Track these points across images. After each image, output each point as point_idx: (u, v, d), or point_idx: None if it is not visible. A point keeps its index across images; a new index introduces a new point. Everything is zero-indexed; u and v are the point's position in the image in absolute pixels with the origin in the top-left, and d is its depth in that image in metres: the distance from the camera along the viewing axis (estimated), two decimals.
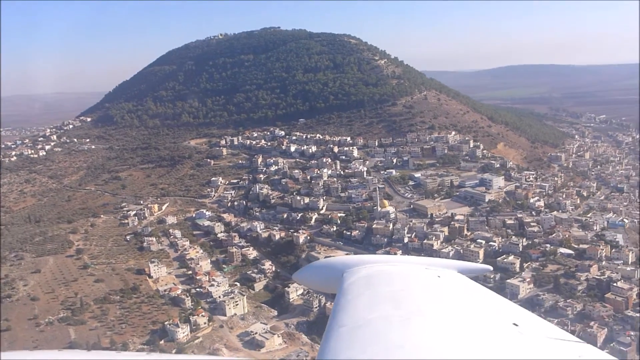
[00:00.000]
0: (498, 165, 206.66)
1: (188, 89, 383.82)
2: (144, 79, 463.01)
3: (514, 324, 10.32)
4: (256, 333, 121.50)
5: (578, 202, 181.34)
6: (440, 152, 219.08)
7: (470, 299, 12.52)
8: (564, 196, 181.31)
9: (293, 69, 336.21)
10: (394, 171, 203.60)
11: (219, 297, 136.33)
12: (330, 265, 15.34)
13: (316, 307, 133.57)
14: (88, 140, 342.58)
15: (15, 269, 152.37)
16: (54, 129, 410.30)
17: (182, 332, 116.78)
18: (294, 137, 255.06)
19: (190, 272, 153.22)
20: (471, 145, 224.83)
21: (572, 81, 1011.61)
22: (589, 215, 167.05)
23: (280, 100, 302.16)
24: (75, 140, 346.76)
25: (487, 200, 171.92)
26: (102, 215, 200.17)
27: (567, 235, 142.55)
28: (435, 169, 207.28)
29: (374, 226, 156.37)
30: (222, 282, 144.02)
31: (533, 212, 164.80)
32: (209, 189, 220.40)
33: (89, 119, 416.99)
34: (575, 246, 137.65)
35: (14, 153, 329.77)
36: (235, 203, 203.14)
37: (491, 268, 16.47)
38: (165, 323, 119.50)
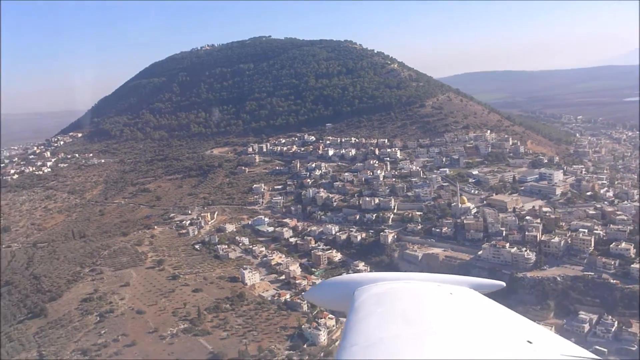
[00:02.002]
0: (546, 161, 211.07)
1: (188, 99, 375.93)
2: (131, 92, 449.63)
3: (528, 341, 10.18)
4: None
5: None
6: (484, 150, 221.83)
7: (483, 316, 12.38)
8: (623, 187, 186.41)
9: (304, 76, 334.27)
10: (447, 170, 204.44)
11: None
12: (342, 284, 15.22)
13: None
14: (92, 154, 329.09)
15: (100, 283, 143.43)
16: (41, 146, 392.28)
17: (323, 336, 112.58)
18: (328, 142, 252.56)
19: (282, 277, 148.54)
20: (510, 143, 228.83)
21: (529, 86, 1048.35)
22: None
23: (300, 107, 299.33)
24: (77, 155, 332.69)
25: (558, 193, 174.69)
26: (155, 227, 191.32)
27: None
28: (485, 166, 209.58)
29: (465, 222, 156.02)
30: None
31: (605, 202, 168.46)
32: (255, 196, 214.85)
33: (79, 135, 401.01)
34: None
35: (12, 171, 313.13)
36: (292, 208, 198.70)
37: (504, 284, 16.24)
38: (303, 327, 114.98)
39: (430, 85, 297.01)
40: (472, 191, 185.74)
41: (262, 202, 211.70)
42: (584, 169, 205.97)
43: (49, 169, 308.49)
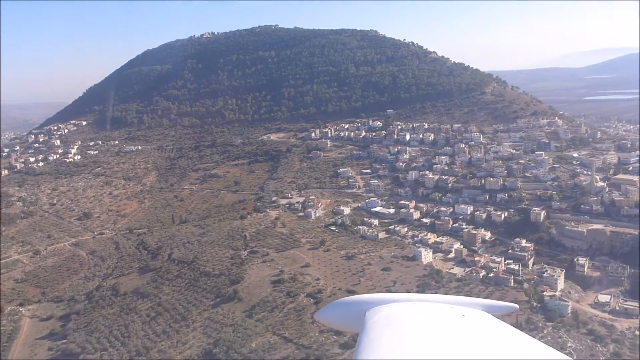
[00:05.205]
0: (629, 145, 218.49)
1: (207, 86, 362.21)
2: (131, 80, 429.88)
3: None
4: (610, 303, 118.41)
5: None
6: (563, 135, 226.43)
7: (495, 338, 12.40)
8: None
9: (340, 63, 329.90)
10: (543, 153, 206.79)
11: (522, 275, 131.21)
12: (353, 304, 15.16)
13: (623, 277, 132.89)
14: (117, 142, 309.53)
15: (276, 265, 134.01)
16: (40, 135, 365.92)
17: (564, 305, 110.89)
18: (399, 127, 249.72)
19: (450, 255, 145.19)
20: (583, 129, 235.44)
21: None
22: None
23: (350, 93, 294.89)
24: (100, 142, 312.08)
25: None
26: (268, 210, 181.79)
27: None
28: (574, 149, 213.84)
29: (616, 198, 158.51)
30: (499, 262, 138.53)
31: None
32: (350, 180, 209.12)
33: (84, 123, 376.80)
34: None
35: (32, 159, 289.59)
36: (401, 190, 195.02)
37: (517, 306, 16.62)
38: (546, 300, 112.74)
39: (479, 74, 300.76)
40: (585, 172, 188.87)
41: (359, 186, 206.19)
42: None
43: (78, 156, 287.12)
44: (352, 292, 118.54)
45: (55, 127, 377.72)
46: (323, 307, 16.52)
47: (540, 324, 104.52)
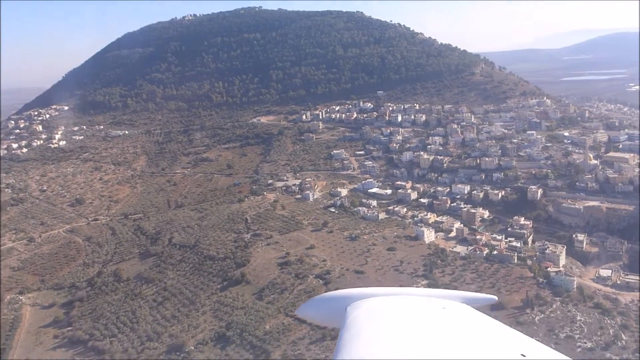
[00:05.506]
0: (617, 124, 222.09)
1: (192, 69, 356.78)
2: (112, 63, 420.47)
3: (522, 354, 10.52)
4: (611, 277, 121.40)
5: None
6: (553, 114, 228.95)
7: (476, 330, 12.58)
8: None
9: (328, 45, 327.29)
10: (534, 133, 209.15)
11: (524, 252, 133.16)
12: (334, 299, 15.25)
13: (621, 252, 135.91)
14: (102, 126, 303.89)
15: (279, 247, 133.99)
16: (20, 120, 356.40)
17: (570, 281, 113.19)
18: (390, 108, 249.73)
19: (451, 234, 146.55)
20: (571, 109, 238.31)
21: None
22: None
23: (339, 75, 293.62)
24: (84, 127, 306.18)
25: None
26: (265, 193, 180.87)
27: None
28: (564, 128, 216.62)
29: (610, 175, 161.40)
30: (501, 240, 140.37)
31: None
32: (345, 161, 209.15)
33: (65, 107, 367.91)
34: None
35: (15, 145, 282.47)
36: (396, 171, 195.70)
37: (496, 298, 17.11)
38: (552, 275, 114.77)
39: (467, 55, 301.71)
40: (577, 150, 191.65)
41: (354, 167, 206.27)
42: None
43: (64, 142, 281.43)
44: (361, 273, 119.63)
45: (36, 113, 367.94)
46: (304, 303, 16.58)
47: (549, 299, 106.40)
